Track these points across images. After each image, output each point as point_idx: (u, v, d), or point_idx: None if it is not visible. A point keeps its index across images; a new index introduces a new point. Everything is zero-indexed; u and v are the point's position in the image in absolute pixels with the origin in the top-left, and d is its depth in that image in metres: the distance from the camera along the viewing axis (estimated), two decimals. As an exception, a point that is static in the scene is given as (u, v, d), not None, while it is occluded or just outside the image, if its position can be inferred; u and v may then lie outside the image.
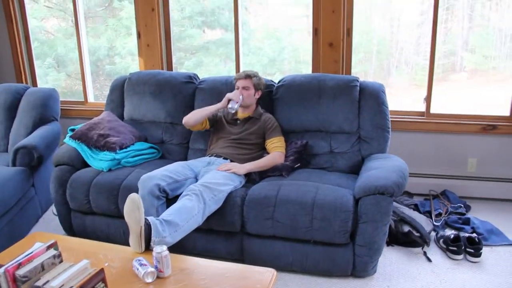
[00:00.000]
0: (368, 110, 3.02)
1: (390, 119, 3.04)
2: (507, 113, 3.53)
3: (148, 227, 2.16)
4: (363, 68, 4.53)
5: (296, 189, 2.60)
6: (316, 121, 3.09)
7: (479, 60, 4.24)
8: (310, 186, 2.62)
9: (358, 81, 3.10)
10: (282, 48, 4.59)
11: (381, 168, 2.63)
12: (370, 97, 3.03)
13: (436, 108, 3.67)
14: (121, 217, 2.48)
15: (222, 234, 2.69)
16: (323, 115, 3.07)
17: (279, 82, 3.29)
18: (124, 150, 3.11)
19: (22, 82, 4.51)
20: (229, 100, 2.96)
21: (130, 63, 4.76)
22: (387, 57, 4.46)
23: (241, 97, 2.98)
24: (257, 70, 3.13)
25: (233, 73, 4.04)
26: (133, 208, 2.11)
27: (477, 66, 4.27)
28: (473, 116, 3.58)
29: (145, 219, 2.17)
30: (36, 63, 4.66)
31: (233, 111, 2.98)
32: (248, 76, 3.04)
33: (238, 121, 3.08)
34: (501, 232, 3.08)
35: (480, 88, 4.12)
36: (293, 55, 4.67)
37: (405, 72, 4.42)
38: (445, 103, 3.98)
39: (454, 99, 4.19)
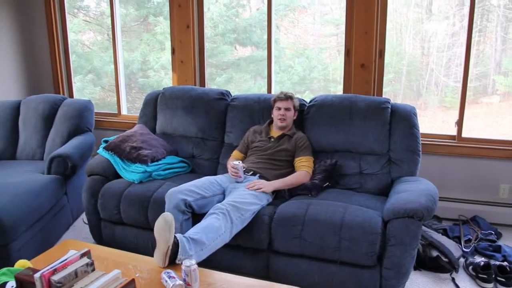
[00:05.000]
0: (399, 132, 3.01)
1: (421, 142, 3.03)
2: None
3: (175, 244, 2.18)
4: (393, 89, 4.52)
5: (325, 209, 2.60)
6: (346, 141, 3.10)
7: (512, 84, 4.19)
8: (338, 206, 2.62)
9: (389, 103, 3.10)
10: (312, 66, 4.63)
11: (411, 191, 2.61)
12: (402, 120, 3.03)
13: (467, 131, 3.63)
14: (150, 229, 2.52)
15: (249, 251, 2.70)
16: (353, 136, 3.08)
17: (310, 101, 3.32)
18: (156, 163, 3.17)
19: (59, 94, 4.66)
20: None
21: (163, 77, 4.86)
22: (417, 78, 4.45)
23: (241, 174, 2.91)
24: (287, 88, 3.17)
25: (264, 90, 4.08)
26: (165, 227, 2.14)
27: (510, 90, 4.21)
28: (506, 141, 3.52)
29: (174, 236, 2.20)
30: (78, 77, 4.86)
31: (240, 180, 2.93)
32: (289, 97, 3.09)
33: (272, 139, 3.12)
34: (533, 262, 3.00)
35: (513, 112, 4.07)
36: (323, 73, 4.70)
37: (434, 93, 4.40)
38: (476, 127, 3.93)
39: (486, 122, 4.14)
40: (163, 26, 4.69)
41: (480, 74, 4.26)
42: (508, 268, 2.75)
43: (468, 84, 3.53)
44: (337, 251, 2.48)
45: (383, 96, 3.65)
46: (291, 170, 3.03)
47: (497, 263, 2.81)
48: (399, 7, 4.23)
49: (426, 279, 2.82)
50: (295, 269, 2.62)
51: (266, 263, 2.69)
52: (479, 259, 2.87)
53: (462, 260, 2.99)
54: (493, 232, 3.31)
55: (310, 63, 4.64)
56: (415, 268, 2.90)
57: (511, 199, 3.52)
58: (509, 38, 4.09)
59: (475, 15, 3.37)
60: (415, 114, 3.06)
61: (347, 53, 3.64)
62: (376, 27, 3.47)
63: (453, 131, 3.60)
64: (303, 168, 2.98)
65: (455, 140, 3.57)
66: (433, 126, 4.16)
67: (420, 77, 4.41)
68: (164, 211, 2.55)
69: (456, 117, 3.58)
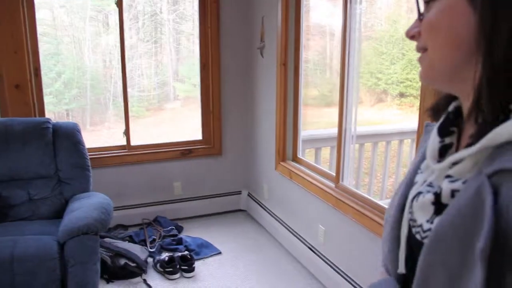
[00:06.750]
0: (64, 151, 2.98)
1: (89, 157, 3.06)
2: (200, 137, 3.95)
3: None
4: (79, 104, 4.46)
5: (-10, 247, 2.35)
6: (8, 169, 2.87)
7: (189, 88, 4.64)
8: (7, 241, 2.41)
9: (50, 122, 3.02)
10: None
11: (83, 207, 2.61)
12: (65, 138, 3.00)
13: (150, 138, 3.83)
14: None
15: None
16: (14, 162, 2.87)
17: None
18: None
19: None
20: None
21: None
22: (102, 91, 4.49)
23: None
24: None
25: None
26: None
27: (188, 94, 4.67)
28: (172, 143, 3.83)
29: None
30: None
31: None
32: None
33: None
34: (210, 244, 3.42)
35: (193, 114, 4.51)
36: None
37: (121, 105, 4.53)
38: (161, 132, 4.22)
39: (169, 126, 4.49)
40: None
41: (161, 82, 4.57)
42: (188, 256, 3.07)
43: (152, 92, 3.73)
44: (12, 290, 2.28)
45: (69, 114, 3.52)
46: None
47: (180, 254, 3.09)
48: (75, 21, 4.16)
49: (118, 289, 2.88)
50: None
51: None
52: (164, 255, 3.10)
53: (150, 260, 3.16)
54: (174, 227, 3.60)
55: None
56: (108, 281, 2.92)
57: (185, 194, 3.88)
58: (181, 49, 4.52)
59: (149, 28, 3.58)
60: (78, 130, 3.07)
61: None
62: (26, 46, 3.26)
63: (123, 141, 3.70)
64: None
65: (125, 149, 3.68)
66: (116, 138, 4.23)
67: (106, 90, 4.46)
68: None
69: (134, 126, 3.70)
